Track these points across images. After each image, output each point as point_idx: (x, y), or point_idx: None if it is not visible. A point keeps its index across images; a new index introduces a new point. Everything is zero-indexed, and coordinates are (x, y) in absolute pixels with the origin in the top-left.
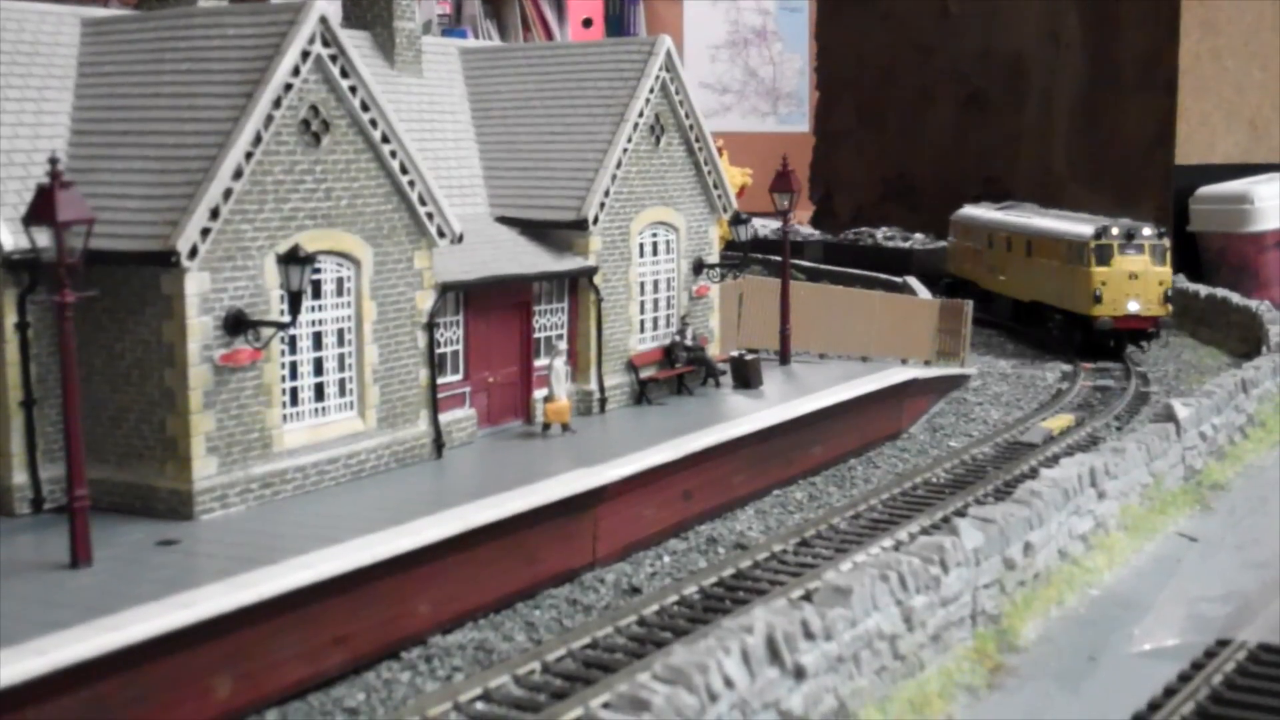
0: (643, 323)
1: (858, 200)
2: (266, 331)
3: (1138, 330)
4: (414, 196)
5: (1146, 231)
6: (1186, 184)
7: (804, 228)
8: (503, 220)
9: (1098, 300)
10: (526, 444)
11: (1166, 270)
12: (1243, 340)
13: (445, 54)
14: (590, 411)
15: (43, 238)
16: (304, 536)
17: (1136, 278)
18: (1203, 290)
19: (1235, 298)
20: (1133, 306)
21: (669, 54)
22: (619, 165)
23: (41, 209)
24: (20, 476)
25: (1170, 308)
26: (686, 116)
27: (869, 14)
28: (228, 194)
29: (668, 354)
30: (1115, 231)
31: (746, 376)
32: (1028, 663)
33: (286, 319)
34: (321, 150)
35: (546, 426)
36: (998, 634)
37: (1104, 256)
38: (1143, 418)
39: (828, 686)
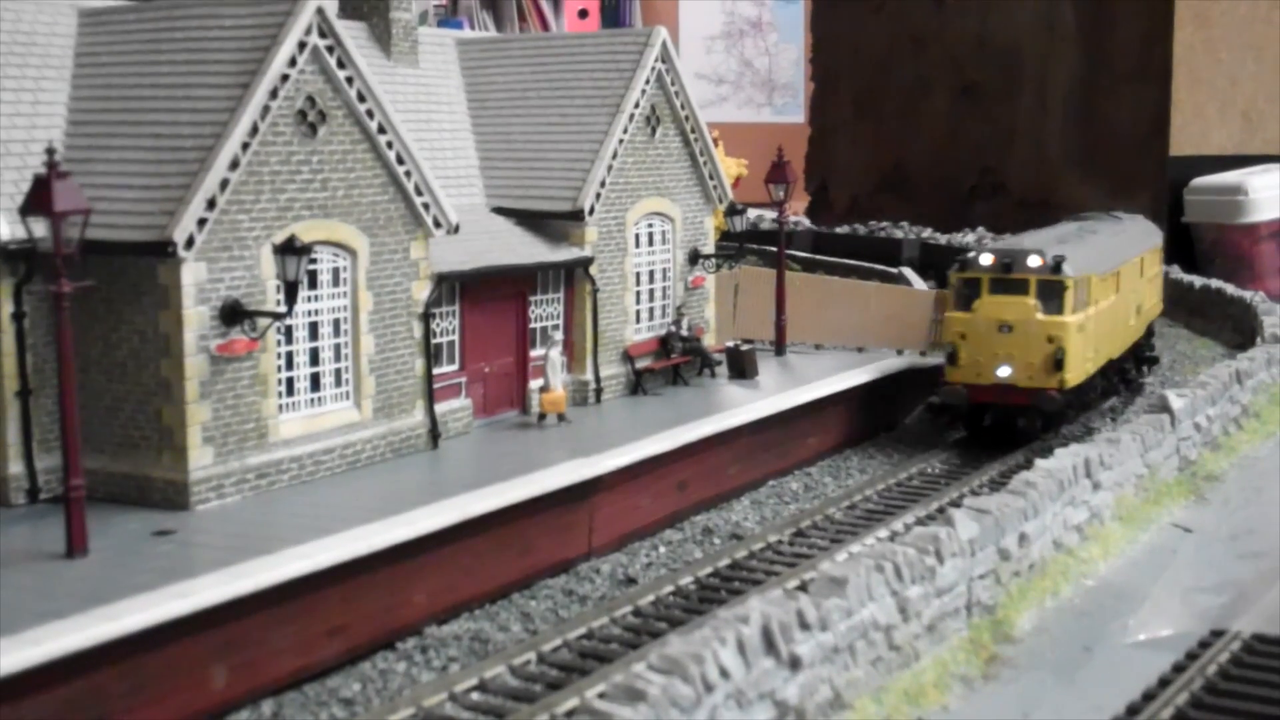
0: (638, 313)
1: (853, 191)
2: (263, 322)
3: (1014, 409)
4: (410, 187)
5: (1033, 261)
6: (1181, 175)
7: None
8: (499, 211)
9: (952, 360)
10: (522, 434)
11: (1064, 322)
12: (1237, 331)
13: (441, 45)
14: (586, 402)
15: (39, 228)
16: (299, 527)
17: (1010, 330)
18: (1197, 281)
19: (1229, 289)
20: (1002, 372)
21: (665, 45)
22: (615, 156)
23: (38, 199)
24: (16, 466)
25: (1068, 379)
26: (682, 107)
27: (864, 5)
28: (224, 184)
29: (663, 344)
30: (986, 260)
31: (742, 367)
32: (1023, 653)
33: (283, 309)
34: (318, 141)
35: (542, 417)
36: (993, 624)
37: (968, 296)
38: (1138, 409)
39: (823, 677)
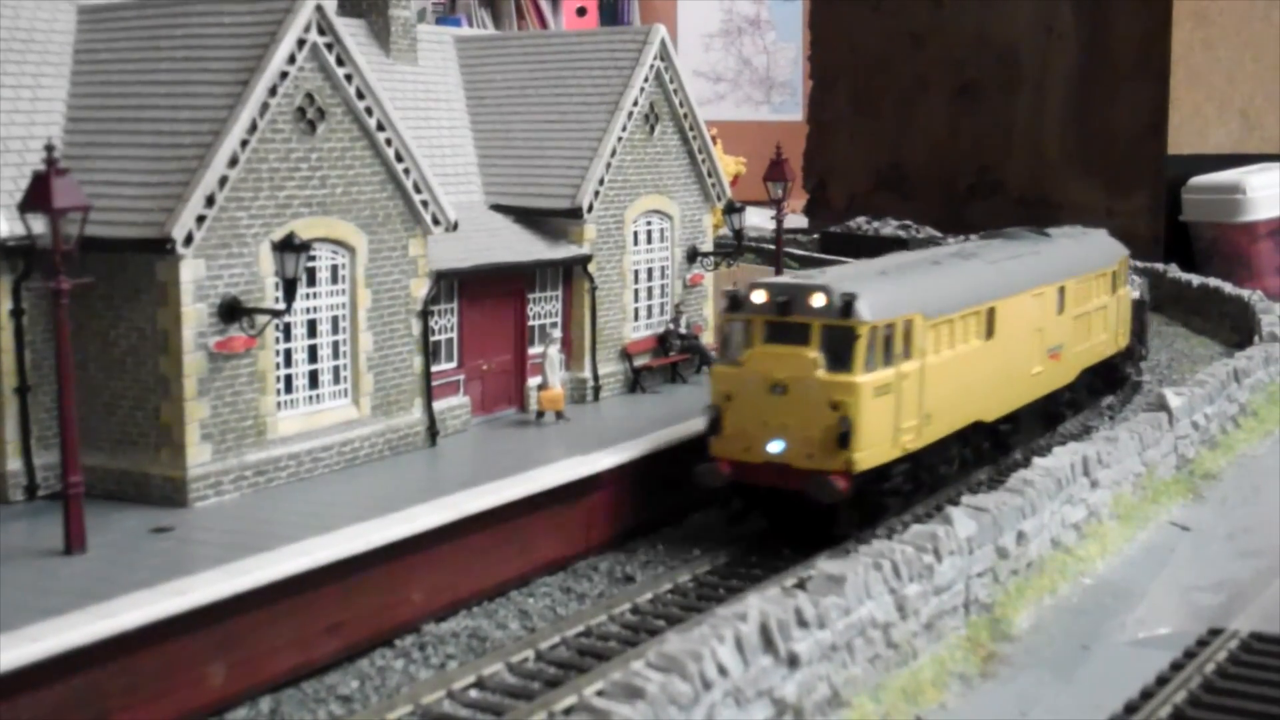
0: (637, 311)
1: (851, 189)
2: (261, 319)
3: (793, 496)
4: (409, 184)
5: (816, 301)
6: (1179, 174)
7: None
8: (497, 208)
9: (714, 429)
10: (520, 432)
11: (853, 382)
12: (1234, 330)
13: (440, 42)
14: (584, 399)
15: (38, 224)
16: (298, 524)
17: (785, 391)
18: (1195, 280)
19: (1227, 287)
20: (774, 448)
21: (663, 43)
22: (613, 154)
23: (37, 196)
24: (14, 463)
25: (858, 459)
26: (681, 105)
27: (862, 3)
28: (223, 181)
29: (662, 342)
30: (759, 298)
31: None
32: (1021, 651)
33: (281, 306)
34: (317, 138)
35: (540, 414)
36: (991, 622)
37: (737, 344)
38: (1135, 407)
39: (821, 675)
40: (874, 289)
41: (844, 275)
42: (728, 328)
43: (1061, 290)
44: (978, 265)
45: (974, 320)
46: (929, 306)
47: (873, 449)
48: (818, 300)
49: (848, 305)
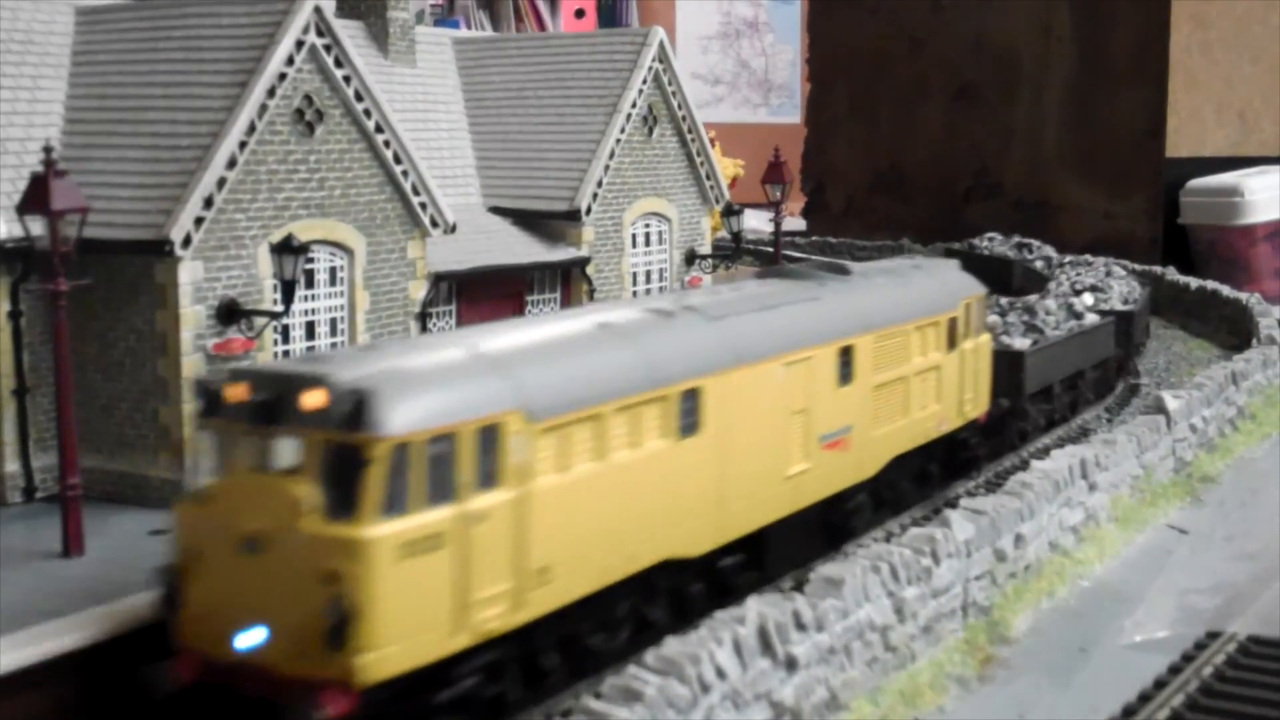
0: None
1: (849, 192)
2: (259, 321)
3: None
4: (407, 186)
5: (311, 399)
6: (1177, 177)
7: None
8: (496, 210)
9: (171, 603)
10: None
11: (356, 539)
12: (1232, 333)
13: (439, 44)
14: None
15: (36, 226)
16: None
17: (260, 548)
18: (1193, 283)
19: (1225, 290)
20: (247, 640)
21: (662, 45)
22: (612, 156)
23: (35, 198)
24: (13, 465)
25: (368, 665)
26: (679, 107)
27: (860, 6)
28: (221, 183)
29: None
30: (237, 395)
31: None
32: (1018, 654)
33: (279, 308)
34: (315, 140)
35: None
36: (989, 625)
37: (208, 469)
38: (1133, 410)
39: (819, 677)
40: (419, 377)
41: (386, 356)
42: (199, 440)
43: (846, 351)
44: (686, 324)
45: (656, 410)
46: (542, 398)
47: (405, 643)
48: (313, 399)
49: (358, 409)
